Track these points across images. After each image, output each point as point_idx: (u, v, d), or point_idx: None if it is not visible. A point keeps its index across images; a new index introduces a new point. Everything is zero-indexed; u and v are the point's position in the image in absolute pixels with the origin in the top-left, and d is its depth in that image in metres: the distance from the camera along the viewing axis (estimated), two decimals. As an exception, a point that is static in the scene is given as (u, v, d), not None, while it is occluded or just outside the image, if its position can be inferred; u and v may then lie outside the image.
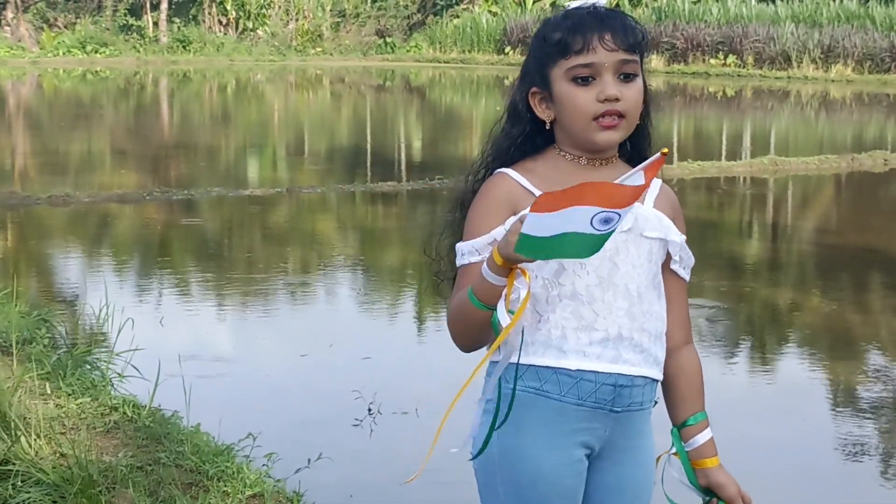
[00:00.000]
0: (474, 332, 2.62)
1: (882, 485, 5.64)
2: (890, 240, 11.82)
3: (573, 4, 2.71)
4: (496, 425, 2.59)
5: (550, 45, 2.68)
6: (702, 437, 2.79)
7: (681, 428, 2.81)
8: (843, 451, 6.00)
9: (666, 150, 2.30)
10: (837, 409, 6.68)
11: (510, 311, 2.48)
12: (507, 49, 44.65)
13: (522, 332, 2.53)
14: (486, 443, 2.61)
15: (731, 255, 11.11)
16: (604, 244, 2.34)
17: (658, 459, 2.84)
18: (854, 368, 7.50)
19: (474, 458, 2.68)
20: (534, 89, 2.74)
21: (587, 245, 2.32)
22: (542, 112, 2.74)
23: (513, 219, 2.60)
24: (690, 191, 14.84)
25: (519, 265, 2.45)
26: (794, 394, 6.98)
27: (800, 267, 10.86)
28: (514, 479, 2.66)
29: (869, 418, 6.51)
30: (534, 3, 49.58)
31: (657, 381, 2.76)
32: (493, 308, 2.51)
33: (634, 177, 2.26)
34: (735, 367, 7.46)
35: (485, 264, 2.50)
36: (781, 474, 5.61)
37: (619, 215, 2.28)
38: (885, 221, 12.98)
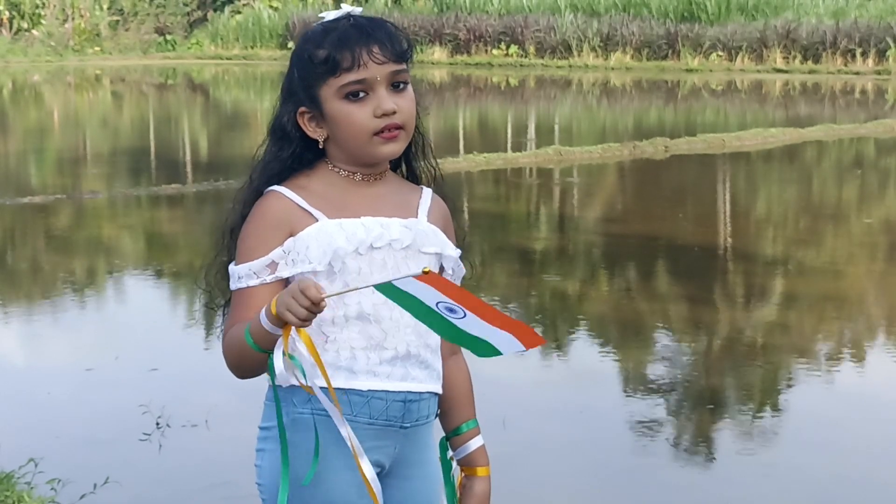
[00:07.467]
0: (249, 366, 2.60)
1: (677, 469, 5.73)
2: (672, 226, 12.06)
3: (329, 16, 2.65)
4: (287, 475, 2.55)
5: (317, 63, 2.61)
6: (473, 444, 2.82)
7: (451, 436, 2.83)
8: (638, 440, 6.08)
9: (427, 268, 2.31)
10: (629, 398, 6.77)
11: (290, 356, 2.45)
12: (290, 44, 44.25)
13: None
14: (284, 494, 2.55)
15: (519, 247, 11.19)
16: (447, 327, 2.40)
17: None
18: (643, 356, 7.63)
19: None
20: (302, 109, 2.67)
21: (434, 320, 2.39)
22: (314, 132, 2.68)
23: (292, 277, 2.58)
24: (478, 183, 14.92)
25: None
26: (584, 386, 7.05)
27: (586, 256, 11.00)
28: (305, 502, 2.60)
29: (660, 405, 6.63)
30: (316, -4, 49.39)
31: (438, 394, 2.76)
32: (270, 351, 2.47)
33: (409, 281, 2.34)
34: (526, 361, 7.48)
35: (263, 312, 2.47)
36: (576, 472, 5.65)
37: (459, 309, 2.35)
38: (667, 208, 13.25)
